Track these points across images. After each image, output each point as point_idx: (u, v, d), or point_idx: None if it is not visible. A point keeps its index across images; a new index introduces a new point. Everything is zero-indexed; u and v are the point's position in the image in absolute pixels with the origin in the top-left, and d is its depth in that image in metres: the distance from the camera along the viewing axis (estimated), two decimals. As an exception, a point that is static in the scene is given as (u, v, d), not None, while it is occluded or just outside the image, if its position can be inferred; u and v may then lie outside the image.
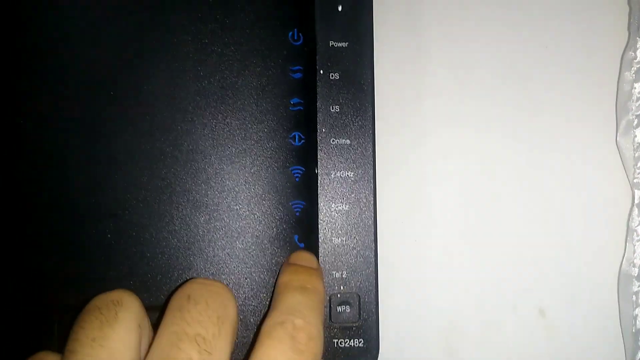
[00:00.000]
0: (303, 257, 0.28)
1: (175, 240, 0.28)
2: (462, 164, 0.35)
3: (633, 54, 0.34)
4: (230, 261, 0.29)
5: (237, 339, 0.27)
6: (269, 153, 0.29)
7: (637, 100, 0.33)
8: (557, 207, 0.35)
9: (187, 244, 0.28)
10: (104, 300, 0.23)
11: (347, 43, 0.31)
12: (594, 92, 0.36)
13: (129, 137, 0.29)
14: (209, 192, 0.29)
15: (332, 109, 0.31)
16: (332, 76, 0.31)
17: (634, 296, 0.32)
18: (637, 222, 0.32)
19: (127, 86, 0.29)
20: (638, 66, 0.34)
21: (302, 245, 0.29)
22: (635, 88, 0.34)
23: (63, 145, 0.28)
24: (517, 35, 0.36)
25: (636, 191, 0.33)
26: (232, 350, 0.23)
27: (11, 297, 0.28)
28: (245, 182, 0.29)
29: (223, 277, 0.28)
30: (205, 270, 0.28)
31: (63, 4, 0.29)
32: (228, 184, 0.29)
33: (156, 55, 0.29)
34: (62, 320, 0.28)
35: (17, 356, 0.27)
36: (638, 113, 0.33)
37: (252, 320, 0.28)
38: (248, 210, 0.29)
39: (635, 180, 0.33)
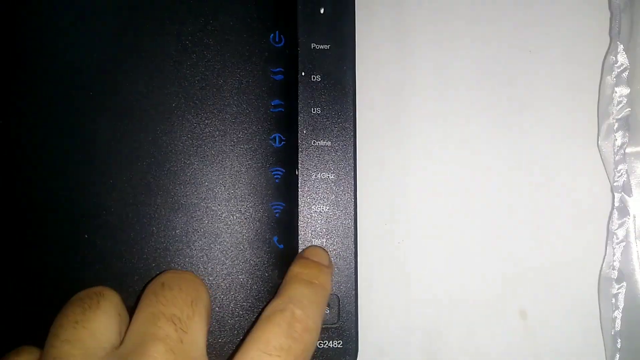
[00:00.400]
0: (317, 253, 0.29)
1: (155, 240, 0.28)
2: (443, 166, 0.35)
3: (614, 58, 0.34)
4: (210, 262, 0.29)
5: (210, 324, 0.27)
6: (250, 154, 0.29)
7: (617, 105, 0.33)
8: (539, 209, 0.35)
9: (166, 244, 0.28)
10: (86, 292, 0.25)
11: (329, 45, 0.31)
12: (577, 95, 0.36)
13: (109, 138, 0.29)
14: (188, 193, 0.29)
15: (313, 110, 0.31)
16: (313, 78, 0.31)
17: (613, 298, 0.32)
18: (617, 225, 0.32)
19: (108, 88, 0.29)
20: (619, 70, 0.34)
21: (281, 246, 0.29)
22: (616, 92, 0.34)
23: (47, 147, 0.29)
24: (501, 39, 0.36)
25: (616, 194, 0.33)
26: (207, 332, 0.24)
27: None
28: (225, 183, 0.29)
29: (203, 277, 0.28)
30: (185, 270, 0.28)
31: (50, 10, 0.30)
32: (208, 185, 0.29)
33: (137, 57, 0.29)
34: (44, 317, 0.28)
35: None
36: (619, 117, 0.33)
37: (230, 321, 0.28)
38: (227, 211, 0.29)
39: (615, 184, 0.33)
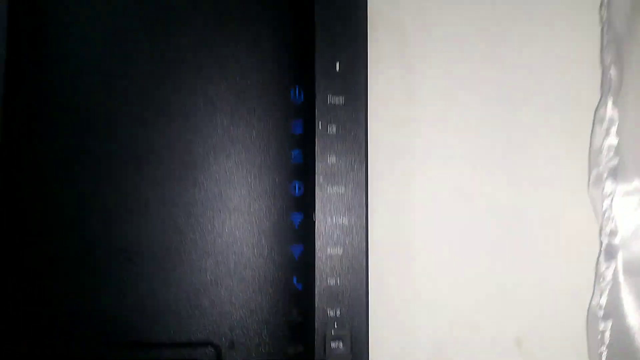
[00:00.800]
0: None
1: (184, 281, 0.31)
2: (447, 204, 0.38)
3: (604, 111, 0.37)
4: (234, 301, 0.31)
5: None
6: (272, 202, 0.32)
7: (606, 155, 0.36)
8: (535, 249, 0.38)
9: (194, 284, 0.31)
10: None
11: (343, 99, 0.34)
12: (570, 143, 0.39)
13: (140, 185, 0.31)
14: (216, 239, 0.31)
15: (329, 160, 0.34)
16: (329, 130, 0.34)
17: (600, 335, 0.35)
18: (604, 267, 0.35)
19: (140, 139, 0.32)
20: (608, 123, 0.37)
21: (299, 286, 0.32)
22: (605, 143, 0.37)
23: (78, 189, 0.31)
24: (499, 88, 0.39)
25: (603, 238, 0.36)
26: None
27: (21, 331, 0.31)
28: (250, 229, 0.32)
29: (226, 317, 0.31)
30: (212, 309, 0.31)
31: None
32: (234, 232, 0.31)
33: (167, 111, 0.32)
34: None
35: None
36: (608, 166, 0.36)
37: (254, 355, 0.31)
38: (252, 254, 0.31)
39: (603, 229, 0.36)
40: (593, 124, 0.38)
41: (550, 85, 0.39)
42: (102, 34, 0.32)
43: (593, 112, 0.38)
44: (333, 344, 0.33)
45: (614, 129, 0.36)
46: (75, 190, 0.31)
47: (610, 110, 0.37)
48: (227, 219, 0.31)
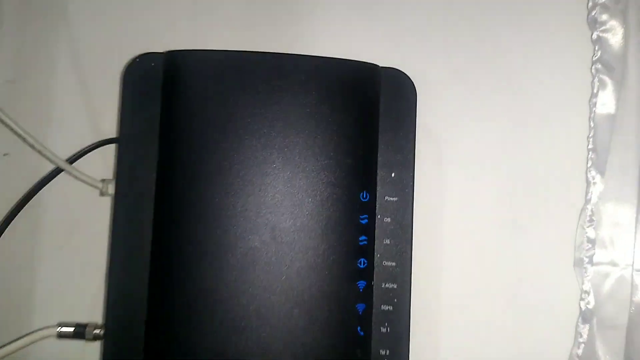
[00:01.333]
0: None
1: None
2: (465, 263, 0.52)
3: (588, 207, 0.50)
4: (317, 341, 0.44)
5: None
6: (343, 273, 0.45)
7: (586, 245, 0.49)
8: (523, 308, 0.51)
9: (286, 332, 0.44)
10: None
11: (396, 198, 0.48)
12: (558, 222, 0.52)
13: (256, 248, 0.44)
14: (305, 291, 0.44)
15: (384, 242, 0.47)
16: (385, 220, 0.47)
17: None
18: (581, 327, 0.48)
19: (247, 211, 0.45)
20: (589, 214, 0.50)
21: (362, 333, 0.45)
22: (587, 232, 0.50)
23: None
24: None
25: (582, 302, 0.49)
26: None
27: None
28: (328, 290, 0.45)
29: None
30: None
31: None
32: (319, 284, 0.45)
33: (272, 169, 0.45)
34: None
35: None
36: (587, 254, 0.49)
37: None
38: (330, 309, 0.45)
39: (581, 299, 0.49)
40: (579, 218, 0.51)
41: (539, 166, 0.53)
42: (231, 112, 0.46)
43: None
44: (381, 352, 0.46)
45: (592, 226, 0.50)
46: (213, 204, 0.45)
47: (590, 206, 0.50)
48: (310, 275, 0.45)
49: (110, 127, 0.56)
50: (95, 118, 0.58)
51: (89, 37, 0.58)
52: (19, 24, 0.60)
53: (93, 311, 0.54)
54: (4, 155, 0.60)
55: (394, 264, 0.47)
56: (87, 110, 0.58)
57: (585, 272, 0.49)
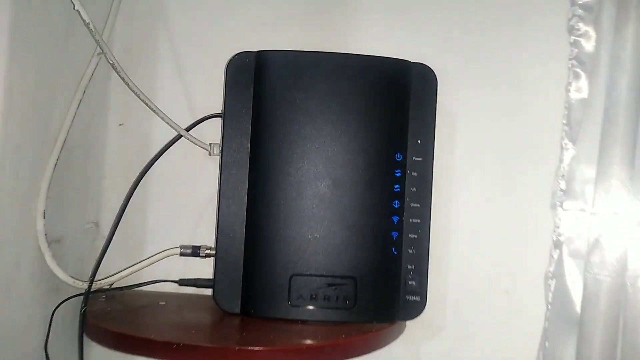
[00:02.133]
0: None
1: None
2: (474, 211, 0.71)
3: (561, 165, 0.68)
4: (364, 258, 0.64)
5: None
6: (383, 212, 0.64)
7: (559, 193, 0.68)
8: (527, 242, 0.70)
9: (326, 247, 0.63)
10: None
11: (421, 158, 0.66)
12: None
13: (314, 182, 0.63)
14: (355, 218, 0.64)
15: (412, 189, 0.66)
16: (413, 174, 0.66)
17: (550, 285, 0.67)
18: (553, 252, 0.67)
19: (316, 160, 0.64)
20: (561, 171, 0.68)
21: (395, 252, 0.64)
22: (560, 184, 0.68)
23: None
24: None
25: (554, 236, 0.68)
26: None
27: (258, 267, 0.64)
28: (373, 222, 0.64)
29: (360, 264, 0.63)
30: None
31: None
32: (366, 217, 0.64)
33: (331, 149, 0.64)
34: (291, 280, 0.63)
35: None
36: (559, 200, 0.68)
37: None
38: (374, 234, 0.64)
39: (553, 234, 0.68)
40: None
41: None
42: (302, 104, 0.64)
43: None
44: (410, 282, 0.65)
45: (563, 179, 0.68)
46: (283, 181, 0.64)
47: (561, 170, 0.68)
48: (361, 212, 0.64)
49: (202, 106, 0.75)
50: (191, 101, 0.77)
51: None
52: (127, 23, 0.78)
53: (199, 239, 0.74)
54: (120, 125, 0.80)
55: (418, 205, 0.66)
56: (186, 95, 0.77)
57: (557, 213, 0.68)
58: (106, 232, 0.74)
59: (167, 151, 0.73)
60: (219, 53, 0.71)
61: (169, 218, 0.77)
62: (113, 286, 0.73)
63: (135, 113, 0.76)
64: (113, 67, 0.65)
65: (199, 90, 0.77)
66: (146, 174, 0.71)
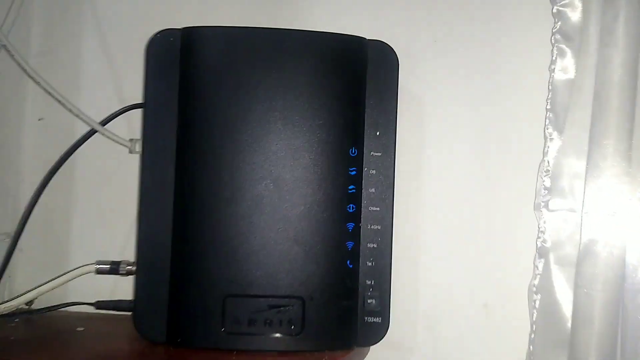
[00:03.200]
0: None
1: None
2: (445, 211, 0.60)
3: (545, 159, 0.58)
4: (312, 272, 0.53)
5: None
6: (335, 215, 0.54)
7: (543, 194, 0.58)
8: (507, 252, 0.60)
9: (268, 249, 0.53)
10: None
11: (380, 153, 0.56)
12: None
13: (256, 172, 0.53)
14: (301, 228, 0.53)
15: (370, 190, 0.55)
16: (371, 172, 0.55)
17: (534, 301, 0.57)
18: (537, 262, 0.57)
19: (257, 145, 0.53)
20: (546, 166, 0.58)
21: (351, 266, 0.54)
22: (544, 182, 0.58)
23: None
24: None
25: (538, 243, 0.58)
26: None
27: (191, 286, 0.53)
28: (323, 230, 0.54)
29: (308, 281, 0.53)
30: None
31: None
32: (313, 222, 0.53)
33: (273, 136, 0.53)
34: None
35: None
36: (543, 201, 0.58)
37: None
38: (324, 244, 0.53)
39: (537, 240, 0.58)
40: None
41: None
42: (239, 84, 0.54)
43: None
44: (369, 300, 0.55)
45: (548, 176, 0.58)
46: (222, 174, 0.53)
47: (545, 164, 0.58)
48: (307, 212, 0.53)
49: (130, 94, 0.64)
50: (118, 86, 0.67)
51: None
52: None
53: (123, 252, 0.64)
54: (39, 120, 0.69)
55: (378, 208, 0.56)
56: (112, 79, 0.67)
57: (542, 215, 0.58)
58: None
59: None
60: (151, 31, 0.60)
61: (94, 227, 0.66)
62: (32, 307, 0.63)
63: (56, 106, 0.65)
64: (16, 61, 0.55)
65: (129, 76, 0.66)
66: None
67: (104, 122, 0.60)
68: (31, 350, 0.54)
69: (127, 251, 0.63)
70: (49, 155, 0.66)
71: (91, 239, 0.67)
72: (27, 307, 0.63)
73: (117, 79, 0.67)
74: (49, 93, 0.58)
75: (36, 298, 0.61)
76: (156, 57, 0.56)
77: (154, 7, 0.68)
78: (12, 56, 0.56)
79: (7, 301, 0.60)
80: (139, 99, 0.61)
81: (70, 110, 0.59)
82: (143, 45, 0.60)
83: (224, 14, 0.67)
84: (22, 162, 0.68)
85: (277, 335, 0.53)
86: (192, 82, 0.55)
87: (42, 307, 0.63)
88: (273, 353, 0.53)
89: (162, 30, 0.56)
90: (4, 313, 0.60)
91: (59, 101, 0.58)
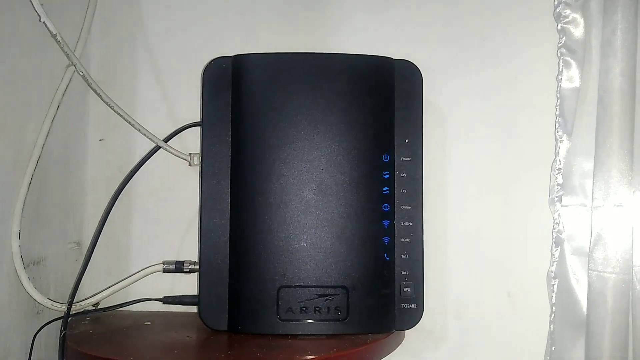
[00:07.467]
0: None
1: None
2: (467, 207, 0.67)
3: (556, 159, 0.65)
4: (355, 265, 0.60)
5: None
6: (372, 216, 0.61)
7: (557, 189, 0.64)
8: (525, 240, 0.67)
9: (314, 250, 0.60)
10: None
11: (410, 158, 0.63)
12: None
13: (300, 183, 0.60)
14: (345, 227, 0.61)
15: (401, 191, 0.63)
16: (402, 175, 0.63)
17: (552, 286, 0.64)
18: (554, 250, 0.64)
19: (300, 159, 0.61)
20: (558, 165, 0.65)
21: (387, 258, 0.61)
22: (557, 179, 0.65)
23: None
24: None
25: (554, 233, 0.64)
26: None
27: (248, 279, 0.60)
28: (362, 226, 0.61)
29: (351, 271, 0.60)
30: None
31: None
32: (354, 222, 0.61)
33: (316, 149, 0.61)
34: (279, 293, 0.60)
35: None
36: (557, 195, 0.64)
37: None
38: (363, 240, 0.61)
39: (555, 228, 0.65)
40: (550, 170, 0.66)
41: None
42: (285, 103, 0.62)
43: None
44: (405, 289, 0.62)
45: (560, 173, 0.65)
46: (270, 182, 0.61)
47: (557, 163, 0.65)
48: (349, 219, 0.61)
49: (183, 115, 0.73)
50: (172, 109, 0.75)
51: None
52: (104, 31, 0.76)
53: (185, 253, 0.71)
54: (100, 140, 0.77)
55: (409, 207, 0.63)
56: (166, 103, 0.75)
57: (556, 209, 0.65)
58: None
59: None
60: (199, 59, 0.69)
61: (153, 233, 0.74)
62: (99, 306, 0.70)
63: (115, 127, 0.74)
64: (84, 78, 0.63)
65: (180, 100, 0.75)
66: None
67: (167, 139, 0.68)
68: (112, 342, 0.61)
69: (183, 253, 0.71)
70: (109, 172, 0.74)
71: (149, 244, 0.74)
72: (93, 307, 0.71)
73: (170, 104, 0.76)
74: (116, 111, 0.65)
75: (104, 298, 0.69)
76: (211, 82, 0.64)
77: (197, 37, 0.76)
78: (82, 75, 0.63)
79: (81, 300, 0.68)
80: (188, 120, 0.70)
81: (138, 130, 0.67)
82: (190, 73, 0.69)
83: (264, 40, 0.75)
84: (86, 178, 0.76)
85: (326, 321, 0.60)
86: (243, 101, 0.63)
87: (108, 306, 0.70)
88: (322, 337, 0.61)
89: (215, 58, 0.64)
90: (78, 312, 0.67)
91: (124, 118, 0.66)
